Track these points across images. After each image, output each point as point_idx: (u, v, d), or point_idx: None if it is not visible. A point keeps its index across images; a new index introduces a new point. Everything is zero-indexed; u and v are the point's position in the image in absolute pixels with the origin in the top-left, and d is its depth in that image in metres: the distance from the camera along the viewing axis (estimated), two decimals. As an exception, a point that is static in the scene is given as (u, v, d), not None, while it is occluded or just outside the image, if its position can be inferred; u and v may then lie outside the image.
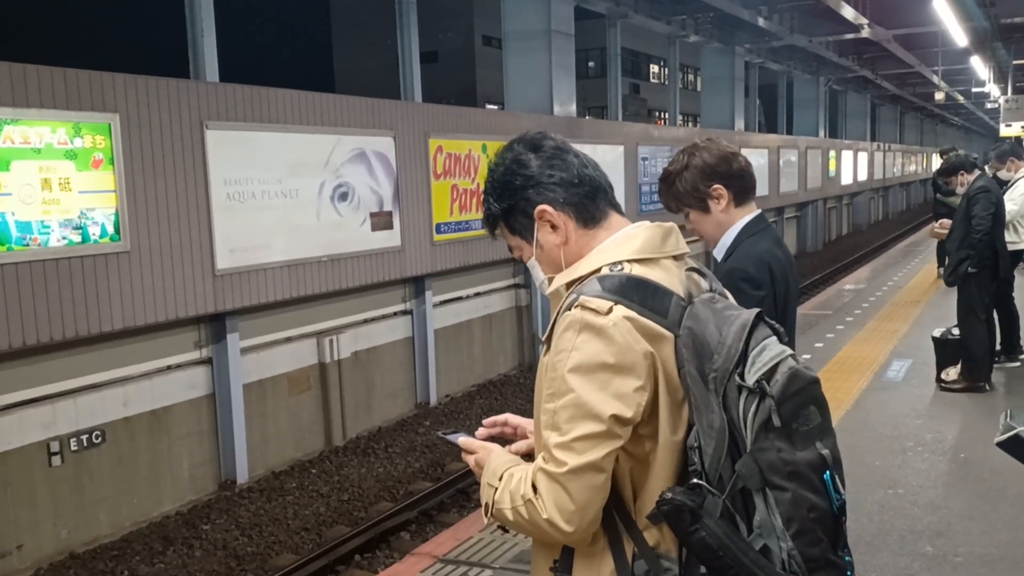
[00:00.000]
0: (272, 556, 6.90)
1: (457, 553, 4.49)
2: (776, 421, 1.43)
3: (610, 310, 1.51)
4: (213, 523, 7.36)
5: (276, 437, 8.66)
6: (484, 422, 1.88)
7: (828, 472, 1.46)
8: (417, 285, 10.44)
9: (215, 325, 7.92)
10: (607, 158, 13.58)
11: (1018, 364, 7.31)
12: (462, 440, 1.80)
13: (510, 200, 1.71)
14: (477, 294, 11.75)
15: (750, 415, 1.44)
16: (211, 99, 7.51)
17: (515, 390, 11.40)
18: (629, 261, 1.60)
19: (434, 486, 8.04)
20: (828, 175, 27.45)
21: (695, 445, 1.51)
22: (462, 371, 11.45)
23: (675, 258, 1.66)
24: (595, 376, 1.50)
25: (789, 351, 1.50)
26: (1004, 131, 21.08)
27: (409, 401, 10.51)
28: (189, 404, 7.81)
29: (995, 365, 6.92)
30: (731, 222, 2.68)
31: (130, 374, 7.30)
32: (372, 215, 9.26)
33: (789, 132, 27.87)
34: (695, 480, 1.49)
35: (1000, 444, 1.17)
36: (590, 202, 1.70)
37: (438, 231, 10.30)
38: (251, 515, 7.51)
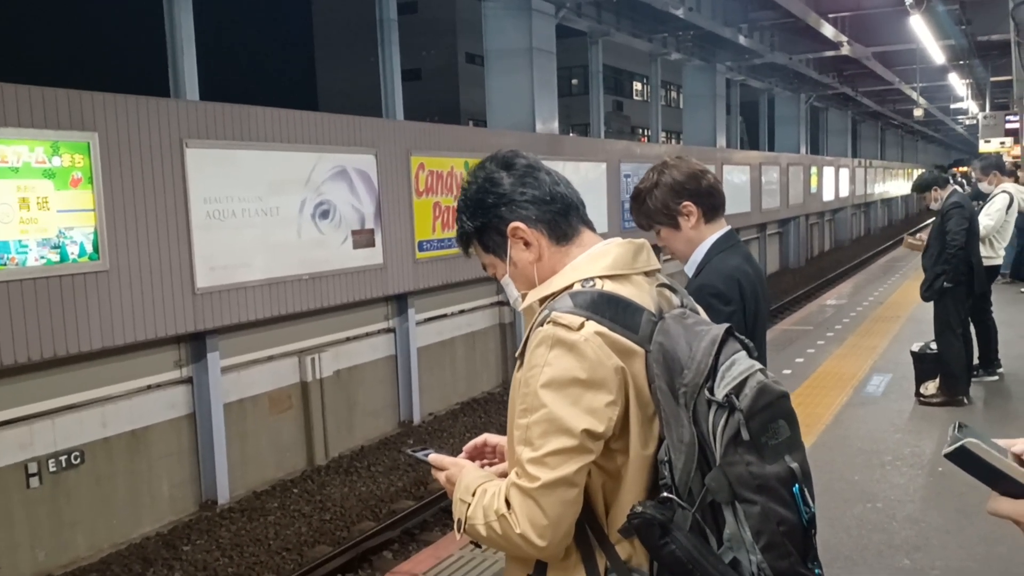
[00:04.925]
0: (253, 577, 6.85)
1: (437, 571, 4.47)
2: (745, 435, 1.44)
3: (582, 326, 1.52)
4: (193, 544, 7.29)
5: (257, 457, 8.60)
6: (464, 448, 1.88)
7: (797, 485, 1.46)
8: (400, 303, 10.42)
9: (195, 344, 7.87)
10: (589, 175, 13.64)
11: (996, 378, 7.36)
12: (432, 457, 1.79)
13: (483, 218, 1.72)
14: (460, 312, 11.74)
15: (719, 429, 1.45)
16: (191, 117, 7.49)
17: (498, 408, 11.37)
18: (601, 277, 1.61)
19: (417, 505, 8.00)
20: (810, 191, 27.67)
21: (665, 459, 1.52)
22: (445, 389, 11.42)
23: (647, 274, 1.67)
24: (567, 391, 1.50)
25: (758, 365, 1.51)
26: (983, 147, 21.41)
27: (392, 419, 10.47)
28: (169, 424, 7.75)
29: (973, 379, 6.98)
30: (701, 239, 2.70)
31: (109, 394, 7.24)
32: (354, 233, 9.24)
33: (771, 149, 28.10)
34: (665, 494, 1.50)
35: (947, 456, 1.18)
36: (562, 219, 1.71)
37: (420, 249, 10.29)
38: (232, 536, 7.44)
